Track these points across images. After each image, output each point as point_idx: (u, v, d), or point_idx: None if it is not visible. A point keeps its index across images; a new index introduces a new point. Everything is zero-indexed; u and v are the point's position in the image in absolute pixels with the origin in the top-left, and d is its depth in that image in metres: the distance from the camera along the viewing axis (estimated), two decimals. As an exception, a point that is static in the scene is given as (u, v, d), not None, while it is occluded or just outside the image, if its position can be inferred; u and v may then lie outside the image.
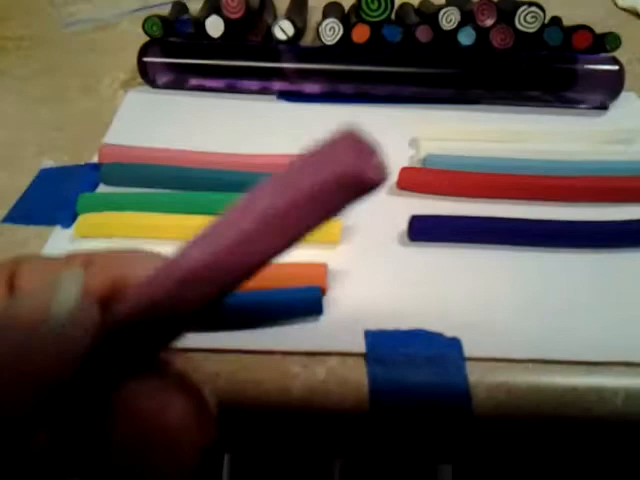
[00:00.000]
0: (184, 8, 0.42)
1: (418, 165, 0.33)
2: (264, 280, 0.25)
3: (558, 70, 0.37)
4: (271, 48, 0.39)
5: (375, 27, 0.38)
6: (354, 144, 0.11)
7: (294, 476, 0.46)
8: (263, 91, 0.39)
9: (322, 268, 0.25)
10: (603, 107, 0.38)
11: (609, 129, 0.35)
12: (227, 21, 0.38)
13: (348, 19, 0.41)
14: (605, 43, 0.36)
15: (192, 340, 0.23)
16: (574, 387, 0.23)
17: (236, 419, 0.23)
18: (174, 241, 0.28)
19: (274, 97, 0.39)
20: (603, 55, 0.37)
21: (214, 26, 0.38)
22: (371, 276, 0.27)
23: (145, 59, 0.39)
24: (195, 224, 0.28)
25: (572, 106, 0.38)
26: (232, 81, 0.39)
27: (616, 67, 0.36)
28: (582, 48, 0.37)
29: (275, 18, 0.43)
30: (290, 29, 0.38)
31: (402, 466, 0.44)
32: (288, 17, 0.39)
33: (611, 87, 0.37)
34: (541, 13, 0.36)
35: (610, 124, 0.36)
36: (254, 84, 0.39)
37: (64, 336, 0.12)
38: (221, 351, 0.23)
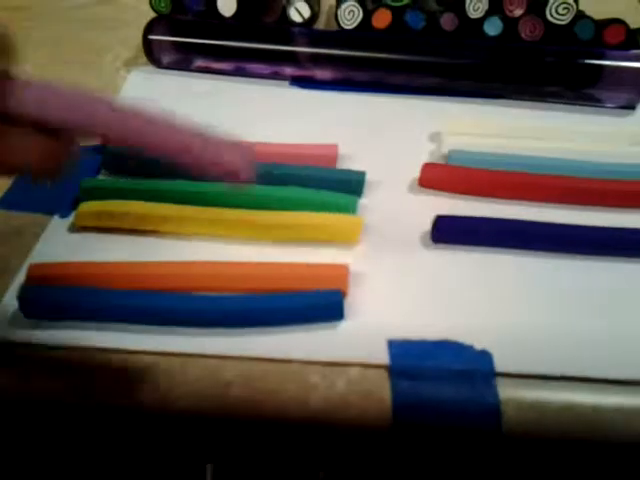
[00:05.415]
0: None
1: (440, 161, 0.31)
2: (282, 281, 0.23)
3: (585, 66, 0.35)
4: (285, 30, 0.36)
5: (397, 12, 0.36)
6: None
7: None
8: (274, 76, 0.37)
9: (344, 270, 0.23)
10: (630, 107, 0.36)
11: (636, 130, 0.34)
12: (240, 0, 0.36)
13: (367, 2, 0.38)
14: (638, 39, 0.34)
15: (205, 346, 0.22)
16: (610, 407, 0.21)
17: (249, 430, 0.21)
18: (186, 234, 0.26)
19: (286, 83, 0.37)
20: (634, 51, 0.35)
21: (226, 4, 0.35)
22: (393, 280, 0.25)
23: (151, 37, 0.36)
24: (207, 216, 0.26)
25: (598, 105, 0.36)
26: (242, 64, 0.37)
27: (646, 65, 0.34)
28: (614, 43, 0.35)
29: (290, -1, 0.40)
30: (306, 11, 0.36)
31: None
32: (304, -2, 0.37)
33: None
34: (574, 5, 0.34)
35: (638, 125, 0.35)
36: (265, 68, 0.37)
37: None
38: (235, 358, 0.21)
